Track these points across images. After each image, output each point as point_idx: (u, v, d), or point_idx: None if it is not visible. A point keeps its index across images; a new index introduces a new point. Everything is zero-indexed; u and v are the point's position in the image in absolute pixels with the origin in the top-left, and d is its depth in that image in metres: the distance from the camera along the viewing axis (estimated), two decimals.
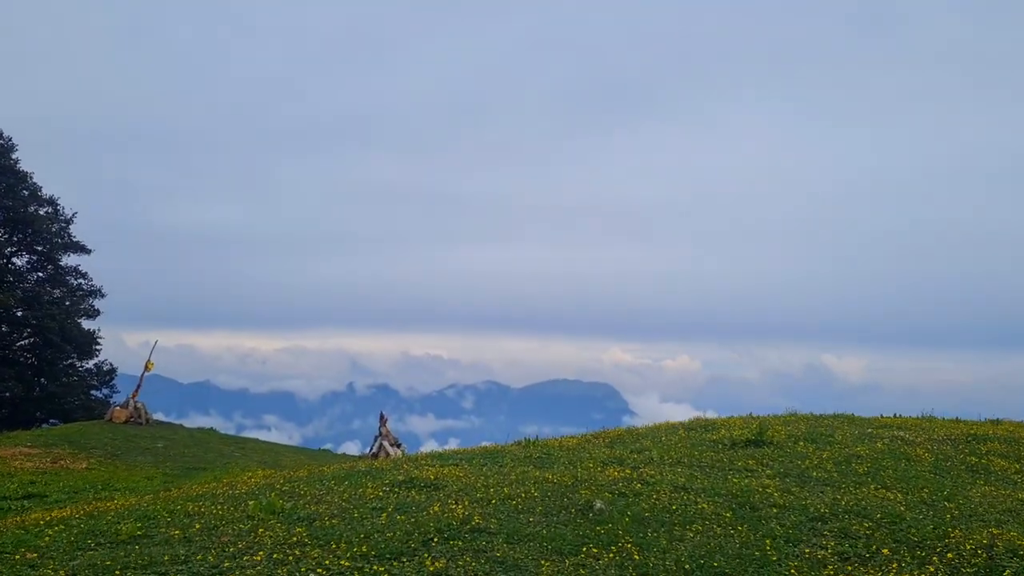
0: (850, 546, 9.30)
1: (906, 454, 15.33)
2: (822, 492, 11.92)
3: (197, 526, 10.13)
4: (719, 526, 9.94)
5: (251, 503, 11.18)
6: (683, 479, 12.61)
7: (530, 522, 10.00)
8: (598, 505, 10.67)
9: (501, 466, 14.22)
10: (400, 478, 12.75)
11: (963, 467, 14.46)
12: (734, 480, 12.58)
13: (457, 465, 14.37)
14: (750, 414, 23.71)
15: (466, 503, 10.85)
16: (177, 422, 45.03)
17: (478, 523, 9.80)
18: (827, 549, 9.20)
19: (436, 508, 10.53)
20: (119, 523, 10.60)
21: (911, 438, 17.66)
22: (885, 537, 9.64)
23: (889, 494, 11.87)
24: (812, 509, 10.75)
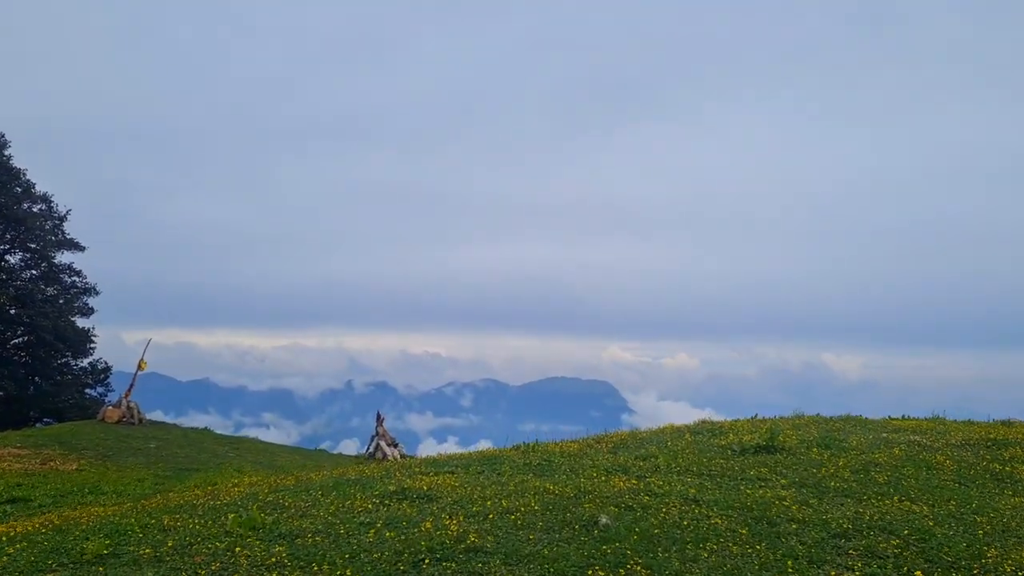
0: (879, 567, 8.54)
1: (926, 461, 14.55)
2: (842, 504, 11.14)
3: (170, 543, 9.37)
4: (735, 544, 9.17)
5: (231, 516, 10.41)
6: (693, 490, 11.83)
7: (530, 540, 9.22)
8: (603, 520, 9.90)
9: (499, 474, 13.45)
10: (391, 488, 11.97)
11: (987, 475, 13.69)
12: (747, 491, 11.80)
13: (453, 473, 13.60)
14: (756, 416, 23.09)
15: (461, 518, 10.07)
16: (175, 420, 44.40)
17: (474, 541, 9.02)
18: (854, 571, 8.44)
19: (428, 524, 9.75)
20: (87, 539, 9.84)
21: (928, 443, 16.91)
22: (916, 556, 8.88)
23: (914, 506, 11.10)
24: (834, 524, 9.98)
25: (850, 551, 9.04)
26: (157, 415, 41.79)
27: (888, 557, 8.84)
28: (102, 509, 14.41)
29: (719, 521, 10.07)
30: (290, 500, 11.71)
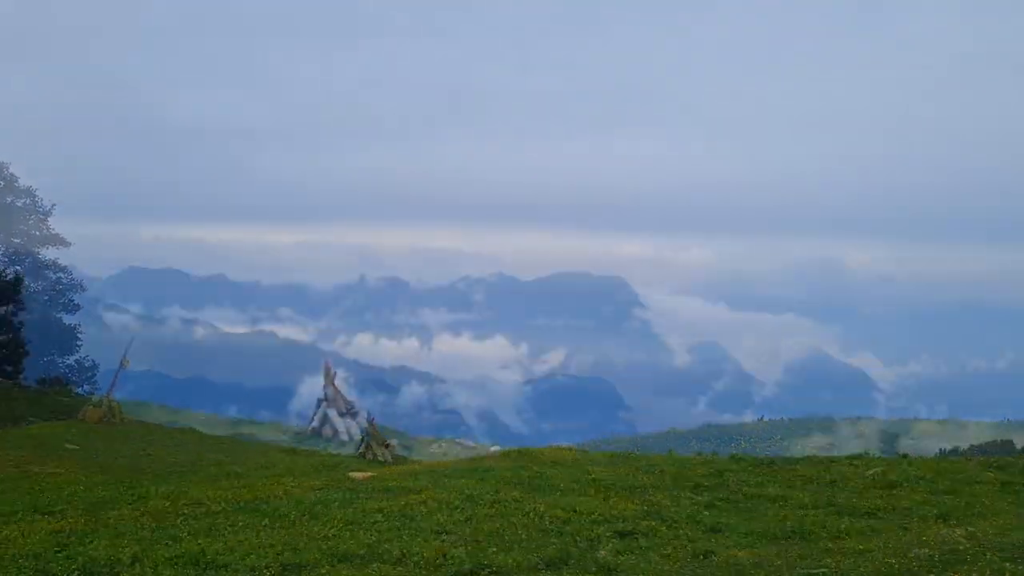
0: None
1: (965, 474, 12.86)
2: (886, 531, 9.47)
3: None
4: None
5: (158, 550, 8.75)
6: (707, 512, 10.18)
7: None
8: (602, 555, 8.26)
9: (483, 483, 11.79)
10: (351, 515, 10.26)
11: None
12: (770, 513, 10.14)
13: (430, 489, 11.91)
14: (762, 418, 21.69)
15: None
16: (170, 417, 43.07)
17: None
18: None
19: None
20: None
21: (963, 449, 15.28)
22: None
23: (963, 533, 9.39)
24: (880, 558, 8.31)
25: None
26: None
27: None
28: (45, 521, 12.79)
29: (742, 554, 8.41)
30: (230, 531, 9.90)
